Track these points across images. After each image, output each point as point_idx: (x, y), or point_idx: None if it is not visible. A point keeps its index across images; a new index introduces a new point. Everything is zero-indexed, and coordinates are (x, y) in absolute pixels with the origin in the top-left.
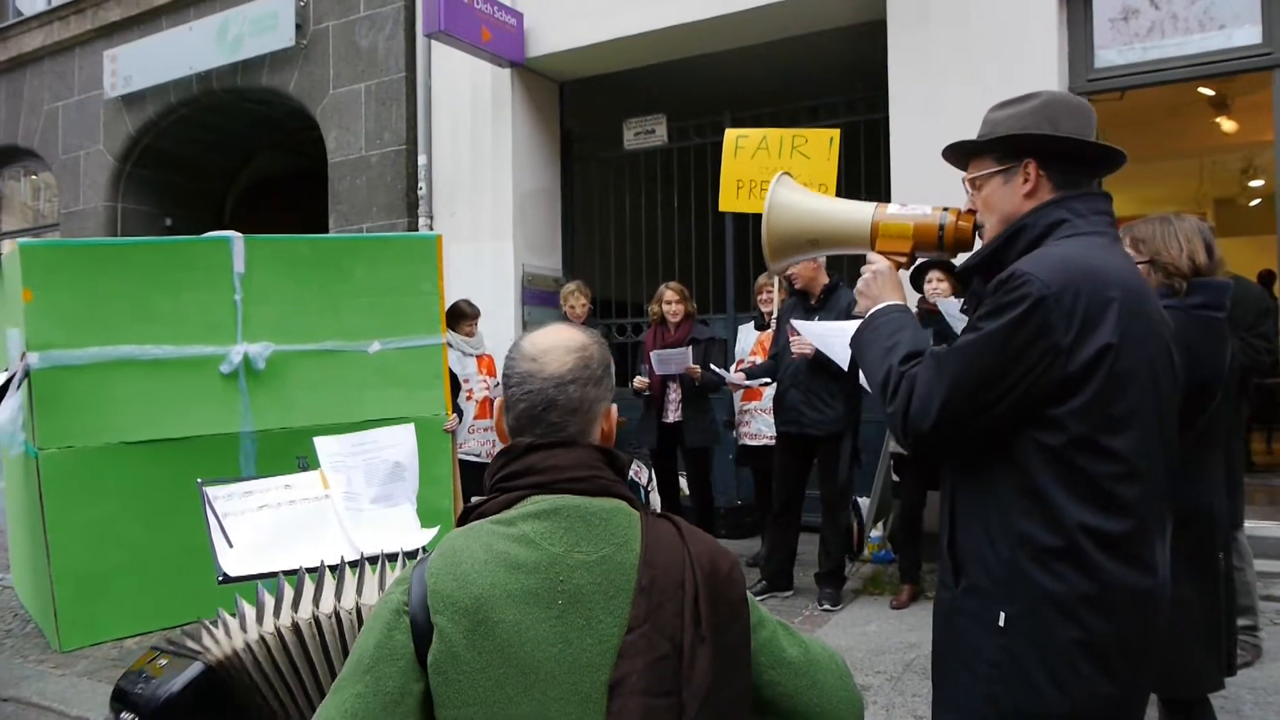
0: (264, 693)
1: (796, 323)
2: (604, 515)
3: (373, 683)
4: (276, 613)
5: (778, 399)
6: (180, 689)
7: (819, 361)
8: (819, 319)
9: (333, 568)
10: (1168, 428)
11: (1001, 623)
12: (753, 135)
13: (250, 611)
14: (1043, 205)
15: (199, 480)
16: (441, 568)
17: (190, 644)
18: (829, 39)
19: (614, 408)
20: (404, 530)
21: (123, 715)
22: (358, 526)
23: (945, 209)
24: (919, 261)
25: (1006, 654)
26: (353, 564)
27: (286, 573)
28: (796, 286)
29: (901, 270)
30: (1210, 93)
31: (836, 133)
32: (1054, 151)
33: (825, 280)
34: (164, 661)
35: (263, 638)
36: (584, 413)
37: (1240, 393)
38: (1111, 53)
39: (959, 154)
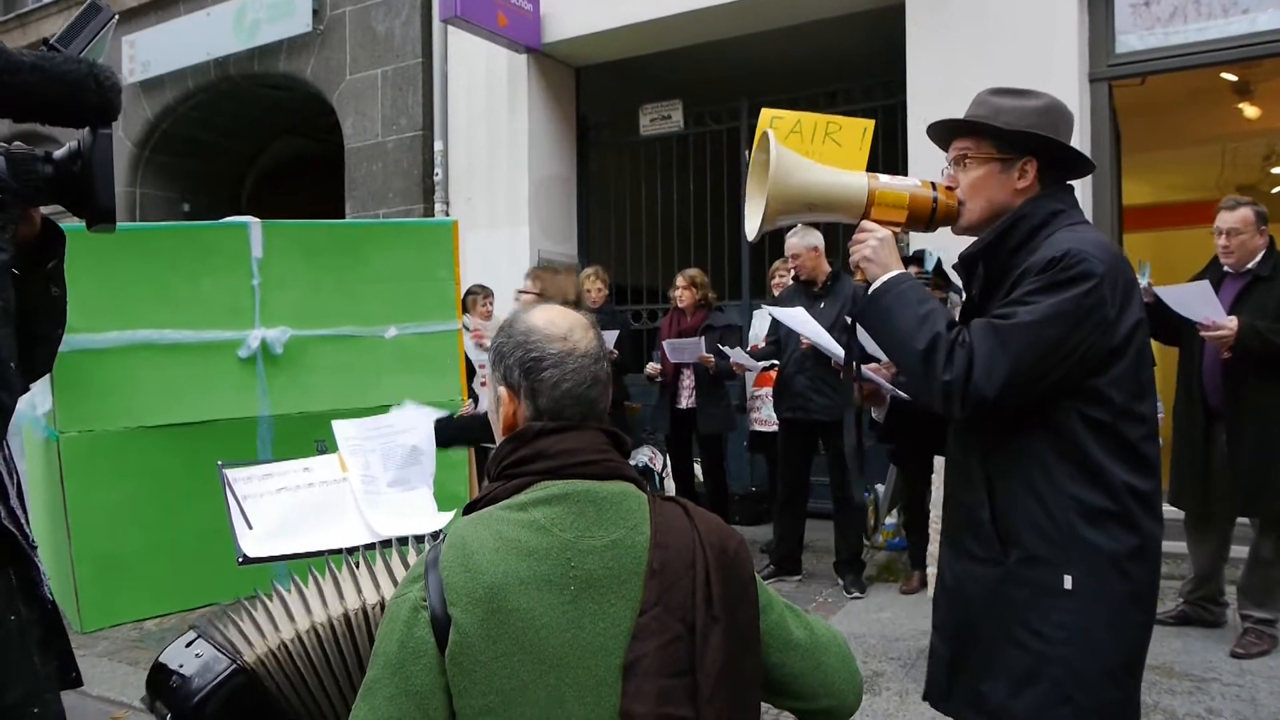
0: (290, 697)
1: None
2: (614, 499)
3: (402, 683)
4: (307, 609)
5: (782, 386)
6: (211, 690)
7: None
8: (824, 306)
9: (350, 551)
10: None
11: (1069, 585)
12: (788, 117)
13: (279, 609)
14: (1039, 197)
15: (219, 462)
16: (453, 560)
17: (228, 636)
18: (847, 24)
19: None
20: (421, 514)
21: (157, 705)
22: (375, 509)
23: (933, 184)
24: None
25: (1075, 614)
26: (368, 547)
27: (305, 555)
28: (801, 277)
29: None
30: (1233, 78)
31: (871, 123)
32: (1052, 154)
33: (827, 268)
34: (199, 652)
35: (298, 636)
36: (610, 388)
37: None
38: (1133, 38)
39: (947, 130)
